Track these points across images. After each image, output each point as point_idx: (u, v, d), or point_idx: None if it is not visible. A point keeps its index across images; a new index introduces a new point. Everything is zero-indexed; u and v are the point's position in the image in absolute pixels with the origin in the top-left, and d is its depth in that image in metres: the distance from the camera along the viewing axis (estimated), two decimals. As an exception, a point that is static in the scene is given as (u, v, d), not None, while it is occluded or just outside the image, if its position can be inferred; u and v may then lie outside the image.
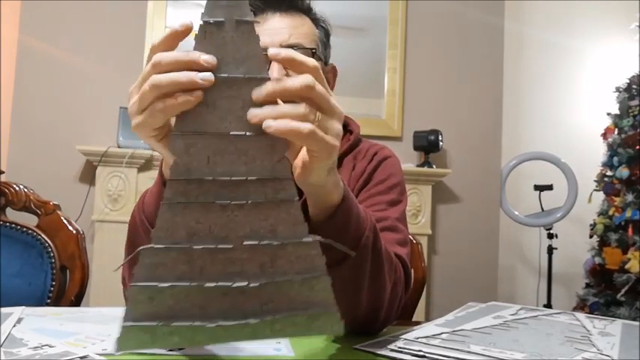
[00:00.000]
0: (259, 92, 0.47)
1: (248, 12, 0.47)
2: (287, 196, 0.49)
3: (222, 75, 0.47)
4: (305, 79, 0.48)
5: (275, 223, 0.49)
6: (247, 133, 0.48)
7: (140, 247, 0.47)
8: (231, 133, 0.47)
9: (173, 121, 0.50)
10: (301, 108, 0.48)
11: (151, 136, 0.50)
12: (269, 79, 0.47)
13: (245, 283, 0.48)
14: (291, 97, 0.48)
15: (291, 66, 0.49)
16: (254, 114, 0.47)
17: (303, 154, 0.53)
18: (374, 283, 0.66)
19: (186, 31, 0.47)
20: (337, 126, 0.51)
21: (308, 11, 0.90)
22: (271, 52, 0.48)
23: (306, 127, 0.47)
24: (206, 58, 0.46)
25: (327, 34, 0.94)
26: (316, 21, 0.92)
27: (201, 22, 0.47)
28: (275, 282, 0.48)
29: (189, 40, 0.49)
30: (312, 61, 0.49)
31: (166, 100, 0.46)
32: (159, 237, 0.48)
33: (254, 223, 0.48)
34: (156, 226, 0.47)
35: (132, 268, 0.48)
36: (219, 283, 0.48)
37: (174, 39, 0.48)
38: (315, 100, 0.49)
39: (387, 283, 0.69)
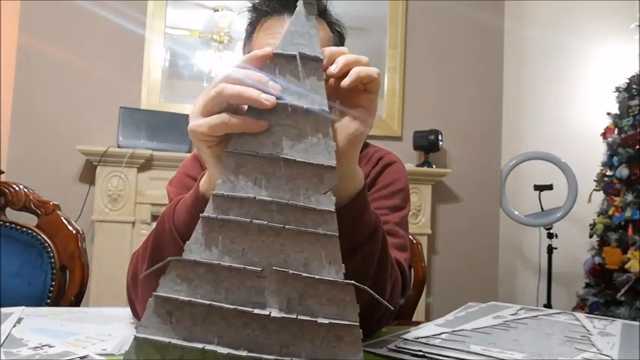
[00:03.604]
0: (336, 65, 0.52)
1: (318, 50, 0.51)
2: (327, 231, 0.47)
3: (284, 101, 0.49)
4: (376, 70, 0.54)
5: (310, 257, 0.47)
6: (297, 159, 0.48)
7: (170, 258, 0.47)
8: (282, 156, 0.48)
9: None
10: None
11: (203, 139, 0.52)
12: (327, 112, 0.50)
13: (267, 313, 0.45)
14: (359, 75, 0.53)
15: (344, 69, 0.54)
16: (331, 68, 0.52)
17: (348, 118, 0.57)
18: (378, 277, 0.66)
19: (265, 57, 0.51)
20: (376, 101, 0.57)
21: (323, 14, 0.90)
22: (332, 69, 0.53)
23: (375, 70, 0.54)
24: (273, 84, 0.49)
25: (341, 38, 0.93)
26: (331, 24, 0.91)
27: (274, 53, 0.50)
28: (300, 321, 0.45)
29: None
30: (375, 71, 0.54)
31: (233, 116, 0.50)
32: (191, 250, 0.47)
33: (288, 254, 0.47)
34: (191, 237, 0.47)
35: (155, 272, 0.47)
36: (240, 308, 0.45)
37: (253, 61, 0.51)
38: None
39: (388, 282, 0.69)
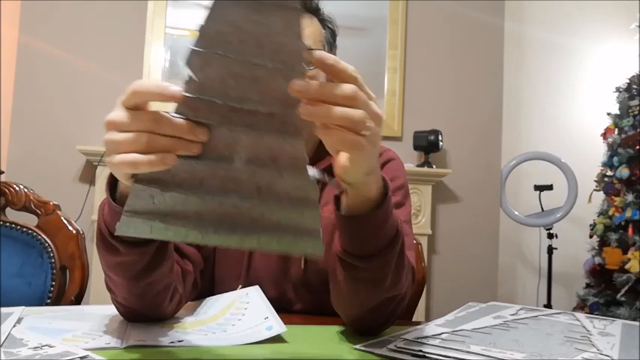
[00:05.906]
0: (305, 90, 0.47)
1: None
2: (293, 131, 0.49)
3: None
4: (350, 87, 0.49)
5: (278, 153, 0.49)
6: (266, 63, 0.46)
7: None
8: (249, 57, 0.46)
9: None
10: (358, 113, 0.48)
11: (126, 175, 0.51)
12: (299, 8, 0.46)
13: (238, 201, 0.50)
14: (336, 100, 0.48)
15: (332, 72, 0.50)
16: (308, 112, 0.47)
17: (343, 155, 0.53)
18: (395, 277, 0.66)
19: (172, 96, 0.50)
20: (379, 131, 0.52)
21: (316, 11, 0.91)
22: (317, 54, 0.49)
23: (360, 141, 0.49)
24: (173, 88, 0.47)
25: (333, 35, 0.95)
26: (323, 21, 0.92)
27: None
28: (268, 204, 0.50)
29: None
30: (352, 69, 0.50)
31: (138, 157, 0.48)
32: None
33: (257, 149, 0.49)
34: None
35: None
36: (215, 197, 0.50)
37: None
38: (360, 107, 0.49)
39: (404, 280, 0.69)
